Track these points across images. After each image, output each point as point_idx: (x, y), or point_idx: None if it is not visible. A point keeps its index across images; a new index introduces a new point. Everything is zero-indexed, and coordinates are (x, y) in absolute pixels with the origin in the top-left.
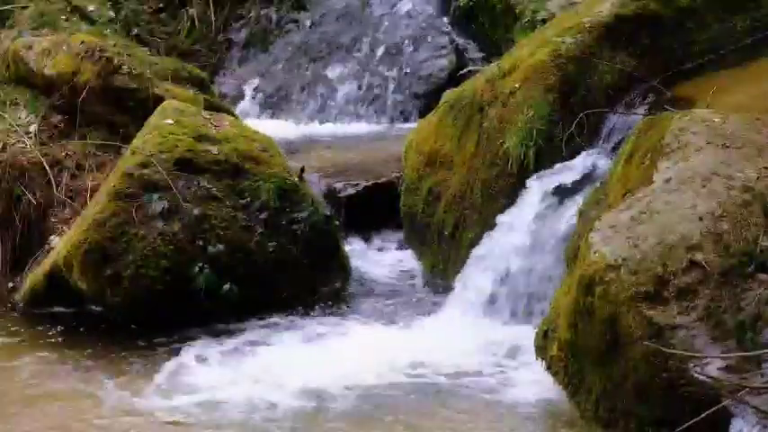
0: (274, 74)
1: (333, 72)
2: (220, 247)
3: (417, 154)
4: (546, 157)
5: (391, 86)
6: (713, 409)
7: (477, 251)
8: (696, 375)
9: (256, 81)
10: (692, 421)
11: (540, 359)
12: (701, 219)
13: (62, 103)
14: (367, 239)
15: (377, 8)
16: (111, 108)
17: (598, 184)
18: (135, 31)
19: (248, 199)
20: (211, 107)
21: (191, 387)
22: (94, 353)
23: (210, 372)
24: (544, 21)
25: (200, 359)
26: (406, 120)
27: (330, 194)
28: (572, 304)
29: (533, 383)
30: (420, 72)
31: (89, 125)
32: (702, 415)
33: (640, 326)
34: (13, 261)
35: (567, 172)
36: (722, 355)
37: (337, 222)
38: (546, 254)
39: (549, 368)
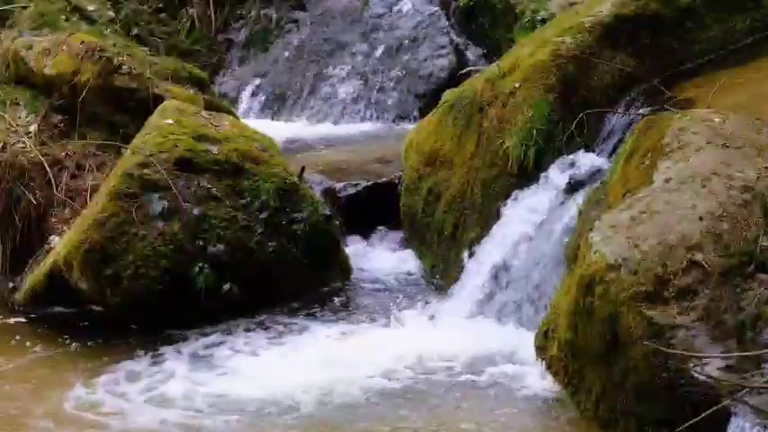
0: (274, 74)
1: (333, 72)
2: (220, 247)
3: (417, 154)
4: (546, 157)
5: (391, 86)
6: (713, 409)
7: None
8: (696, 375)
9: (256, 81)
10: (692, 421)
11: (540, 359)
12: (701, 219)
13: (62, 103)
14: (367, 239)
15: (377, 8)
16: (111, 108)
17: (598, 184)
18: (135, 31)
19: (248, 199)
20: (211, 107)
21: (190, 387)
22: (94, 353)
23: (210, 372)
24: (544, 21)
25: (201, 359)
26: (406, 120)
27: (330, 194)
28: (572, 304)
29: (533, 383)
30: (420, 72)
31: (89, 125)
32: (702, 415)
33: (640, 326)
34: (13, 261)
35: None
36: (722, 355)
37: (337, 222)
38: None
39: (549, 368)
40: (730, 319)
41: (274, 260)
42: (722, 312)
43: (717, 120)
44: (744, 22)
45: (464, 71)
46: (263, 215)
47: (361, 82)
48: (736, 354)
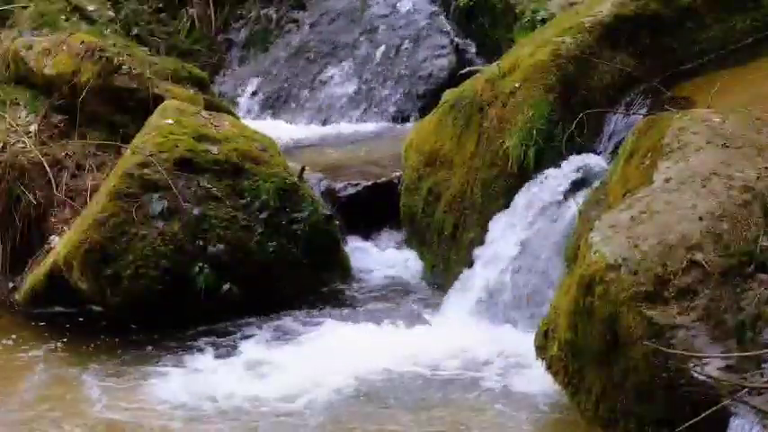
0: (274, 74)
1: (333, 72)
2: (220, 247)
3: (417, 154)
4: (546, 157)
5: (391, 86)
6: (713, 409)
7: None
8: (696, 375)
9: (256, 81)
10: (692, 421)
11: (540, 359)
12: (701, 219)
13: (62, 103)
14: (367, 239)
15: (377, 8)
16: (111, 108)
17: (598, 184)
18: (135, 31)
19: (248, 199)
20: (211, 107)
21: (190, 387)
22: (94, 353)
23: (210, 372)
24: (544, 21)
25: (201, 359)
26: (406, 120)
27: (330, 194)
28: (572, 304)
29: (533, 383)
30: (420, 72)
31: (89, 125)
32: (702, 415)
33: (640, 326)
34: (13, 261)
35: None
36: (722, 355)
37: (337, 222)
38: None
39: (549, 368)
40: (730, 319)
41: (274, 260)
42: (722, 312)
43: (717, 120)
44: (744, 22)
45: (464, 71)
46: (263, 215)
47: (361, 82)
48: (736, 354)
